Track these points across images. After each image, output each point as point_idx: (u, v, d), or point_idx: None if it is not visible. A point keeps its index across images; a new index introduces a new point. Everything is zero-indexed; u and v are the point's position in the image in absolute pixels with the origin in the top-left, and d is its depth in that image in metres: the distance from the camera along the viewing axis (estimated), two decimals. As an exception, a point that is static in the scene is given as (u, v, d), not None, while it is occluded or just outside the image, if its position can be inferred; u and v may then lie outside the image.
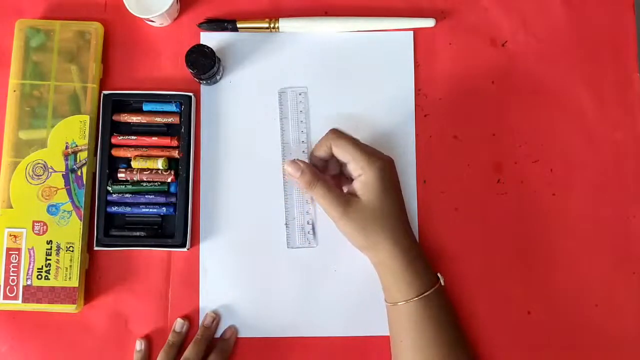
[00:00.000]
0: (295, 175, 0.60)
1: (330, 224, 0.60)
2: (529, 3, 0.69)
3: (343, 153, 0.59)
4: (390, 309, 0.61)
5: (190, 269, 0.65)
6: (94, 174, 0.65)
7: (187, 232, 0.64)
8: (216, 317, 0.64)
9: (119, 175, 0.64)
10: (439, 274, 0.61)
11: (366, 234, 0.58)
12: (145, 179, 0.64)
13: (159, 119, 0.65)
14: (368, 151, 0.59)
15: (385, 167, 0.59)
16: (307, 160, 0.62)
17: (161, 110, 0.65)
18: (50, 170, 0.63)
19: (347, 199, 0.59)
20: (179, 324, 0.64)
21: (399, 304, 0.59)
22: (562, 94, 0.68)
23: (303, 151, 0.66)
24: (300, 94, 0.66)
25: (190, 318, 0.64)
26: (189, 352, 0.62)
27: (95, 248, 0.64)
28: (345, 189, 0.63)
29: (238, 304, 0.65)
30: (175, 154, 0.65)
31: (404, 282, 0.59)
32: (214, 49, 0.63)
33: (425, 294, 0.59)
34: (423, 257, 0.61)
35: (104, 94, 0.65)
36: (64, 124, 0.64)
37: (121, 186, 0.64)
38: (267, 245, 0.65)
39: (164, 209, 0.64)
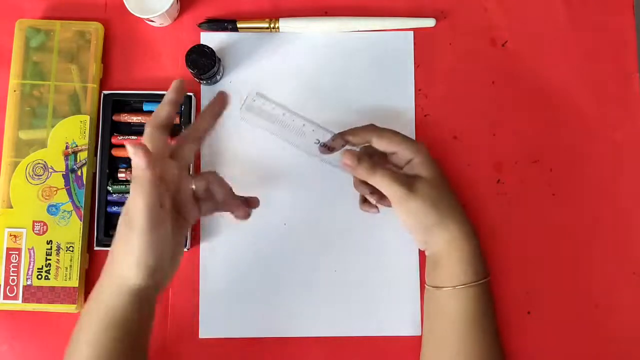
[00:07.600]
0: (353, 165, 0.57)
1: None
2: (529, 3, 0.69)
3: (388, 143, 0.58)
4: (444, 294, 0.58)
5: (190, 269, 0.65)
6: (94, 174, 0.65)
7: (187, 232, 0.64)
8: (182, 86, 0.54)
9: (119, 175, 0.64)
10: None
11: (438, 209, 0.57)
12: (145, 179, 0.64)
13: (159, 119, 0.65)
14: (409, 138, 0.59)
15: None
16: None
17: (161, 110, 0.65)
18: (50, 170, 0.63)
19: (412, 178, 0.57)
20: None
21: (459, 287, 0.57)
22: (562, 94, 0.68)
23: (312, 130, 0.63)
24: (254, 100, 0.64)
25: (190, 318, 0.64)
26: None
27: (96, 248, 0.64)
28: None
29: (238, 304, 0.65)
30: (175, 154, 0.65)
31: (471, 264, 0.57)
32: (214, 49, 0.63)
33: (487, 279, 0.58)
34: None
35: (104, 94, 0.65)
36: (64, 124, 0.64)
37: (121, 186, 0.64)
38: (267, 246, 0.65)
39: (164, 209, 0.64)
